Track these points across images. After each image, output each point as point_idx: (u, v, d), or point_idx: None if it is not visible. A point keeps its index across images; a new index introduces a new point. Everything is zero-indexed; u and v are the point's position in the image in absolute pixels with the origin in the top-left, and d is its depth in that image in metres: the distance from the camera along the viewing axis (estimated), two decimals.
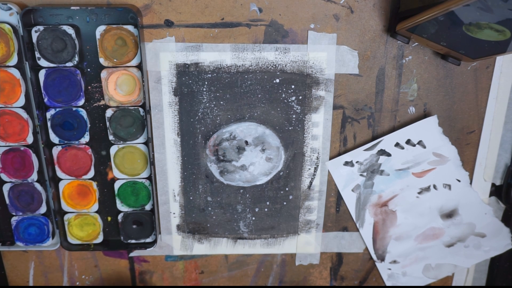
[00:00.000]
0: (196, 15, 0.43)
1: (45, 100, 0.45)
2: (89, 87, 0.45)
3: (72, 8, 0.41)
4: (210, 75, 0.46)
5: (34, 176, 0.47)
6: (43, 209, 0.49)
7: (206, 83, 0.46)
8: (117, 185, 0.48)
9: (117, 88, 0.45)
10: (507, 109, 0.48)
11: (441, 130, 0.49)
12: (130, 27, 0.43)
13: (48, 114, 0.45)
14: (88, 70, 0.44)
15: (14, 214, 0.49)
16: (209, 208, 0.51)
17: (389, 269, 0.55)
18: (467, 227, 0.53)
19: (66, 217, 0.49)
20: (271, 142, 0.49)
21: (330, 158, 0.50)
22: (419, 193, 0.51)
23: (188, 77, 0.46)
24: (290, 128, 0.48)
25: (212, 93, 0.46)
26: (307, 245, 0.54)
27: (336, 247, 0.54)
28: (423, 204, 0.52)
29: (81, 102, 0.45)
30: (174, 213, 0.51)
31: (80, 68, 0.44)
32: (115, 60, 0.44)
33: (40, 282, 0.54)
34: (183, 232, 0.53)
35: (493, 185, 0.52)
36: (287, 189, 0.51)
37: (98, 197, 0.49)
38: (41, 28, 0.42)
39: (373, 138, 0.49)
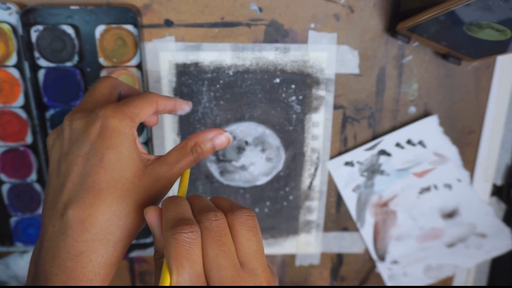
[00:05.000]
0: (196, 15, 0.43)
1: (45, 100, 0.45)
2: (89, 87, 0.45)
3: (71, 7, 0.41)
4: (210, 75, 0.46)
5: (34, 176, 0.47)
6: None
7: (206, 83, 0.46)
8: None
9: None
10: (508, 109, 0.48)
11: (442, 130, 0.49)
12: (130, 27, 0.42)
13: (48, 114, 0.45)
14: (88, 70, 0.44)
15: (13, 214, 0.49)
16: None
17: (390, 269, 0.55)
18: (468, 227, 0.53)
19: None
20: (271, 142, 0.49)
21: (331, 158, 0.49)
22: (419, 193, 0.51)
23: (188, 77, 0.46)
24: (290, 128, 0.48)
25: (212, 93, 0.46)
26: (307, 245, 0.53)
27: (336, 247, 0.54)
28: (423, 204, 0.52)
29: None
30: None
31: (80, 68, 0.44)
32: (114, 59, 0.44)
33: None
34: None
35: (494, 185, 0.52)
36: (287, 189, 0.51)
37: None
38: (41, 27, 0.42)
39: (374, 138, 0.49)
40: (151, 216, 0.27)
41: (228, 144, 0.32)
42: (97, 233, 0.27)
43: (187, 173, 0.31)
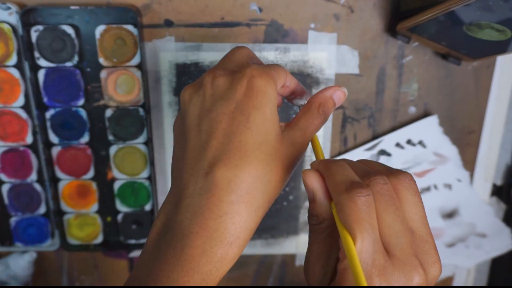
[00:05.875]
0: (196, 15, 0.43)
1: (45, 100, 0.45)
2: (89, 87, 0.45)
3: (71, 7, 0.41)
4: None
5: (34, 176, 0.47)
6: (42, 209, 0.49)
7: None
8: (116, 185, 0.48)
9: (117, 88, 0.45)
10: (508, 109, 0.48)
11: (442, 130, 0.49)
12: (130, 27, 0.42)
13: (48, 114, 0.45)
14: (88, 70, 0.44)
15: (13, 214, 0.49)
16: None
17: None
18: (467, 227, 0.53)
19: (65, 217, 0.49)
20: None
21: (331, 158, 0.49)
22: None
23: (188, 77, 0.45)
24: None
25: None
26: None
27: None
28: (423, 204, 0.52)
29: (81, 102, 0.45)
30: None
31: (80, 68, 0.44)
32: (114, 60, 0.44)
33: (40, 282, 0.54)
34: None
35: (494, 185, 0.52)
36: (287, 189, 0.51)
37: (97, 197, 0.49)
38: (41, 27, 0.42)
39: (374, 138, 0.49)
40: (313, 179, 0.26)
41: (344, 98, 0.31)
42: (242, 195, 0.26)
43: (317, 138, 0.31)
